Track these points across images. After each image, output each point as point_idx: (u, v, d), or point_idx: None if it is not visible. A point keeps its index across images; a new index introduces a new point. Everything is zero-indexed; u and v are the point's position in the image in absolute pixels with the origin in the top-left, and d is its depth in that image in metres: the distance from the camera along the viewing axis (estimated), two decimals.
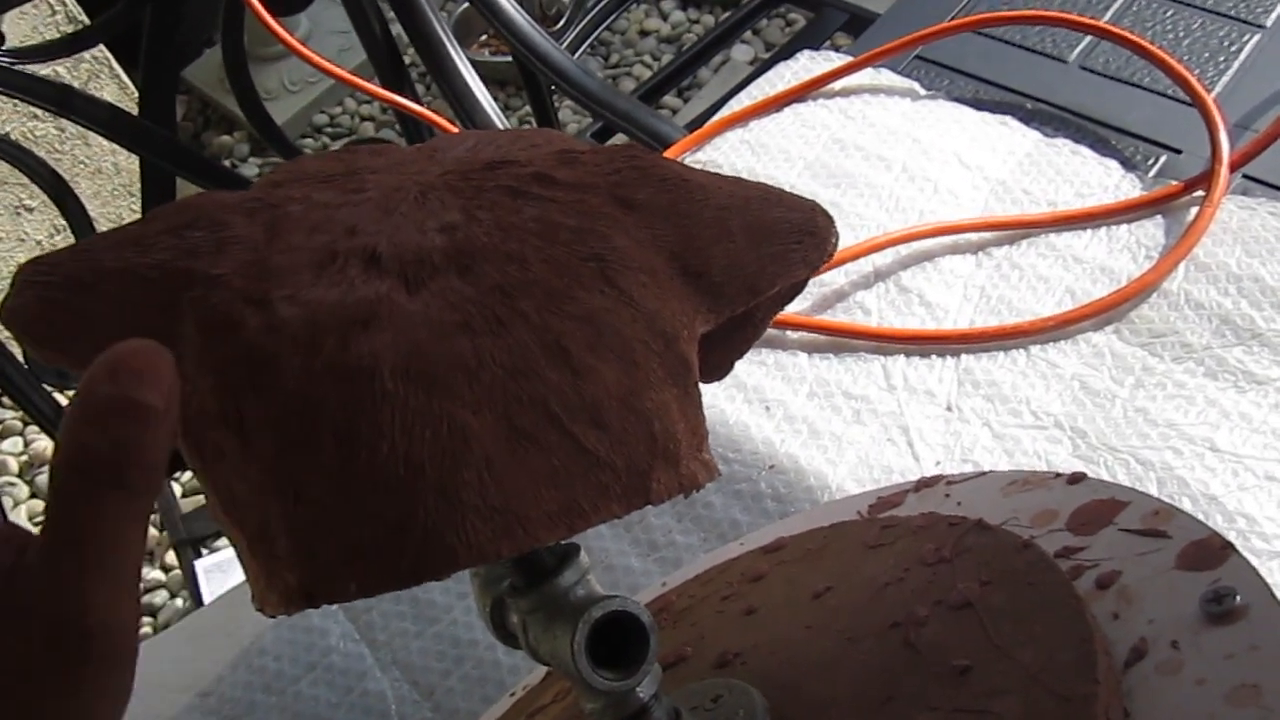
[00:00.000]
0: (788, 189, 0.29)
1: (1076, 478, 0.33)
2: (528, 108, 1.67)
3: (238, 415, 0.23)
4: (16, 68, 0.77)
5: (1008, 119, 0.65)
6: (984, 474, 0.37)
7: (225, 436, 0.23)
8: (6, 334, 0.80)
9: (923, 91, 0.68)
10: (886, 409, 0.54)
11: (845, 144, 0.65)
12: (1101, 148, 0.62)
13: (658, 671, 0.28)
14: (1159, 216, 0.58)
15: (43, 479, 1.43)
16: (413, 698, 0.49)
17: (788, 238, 0.27)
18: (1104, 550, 0.29)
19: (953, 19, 0.71)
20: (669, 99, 1.59)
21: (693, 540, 0.51)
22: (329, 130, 1.75)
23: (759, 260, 0.27)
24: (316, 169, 0.28)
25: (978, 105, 0.66)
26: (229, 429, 0.23)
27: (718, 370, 0.31)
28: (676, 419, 0.25)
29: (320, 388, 0.22)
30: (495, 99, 0.85)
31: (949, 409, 0.53)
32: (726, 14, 1.72)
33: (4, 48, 0.77)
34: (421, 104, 0.82)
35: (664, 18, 1.76)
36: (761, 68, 1.54)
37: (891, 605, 0.30)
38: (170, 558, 1.33)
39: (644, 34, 1.75)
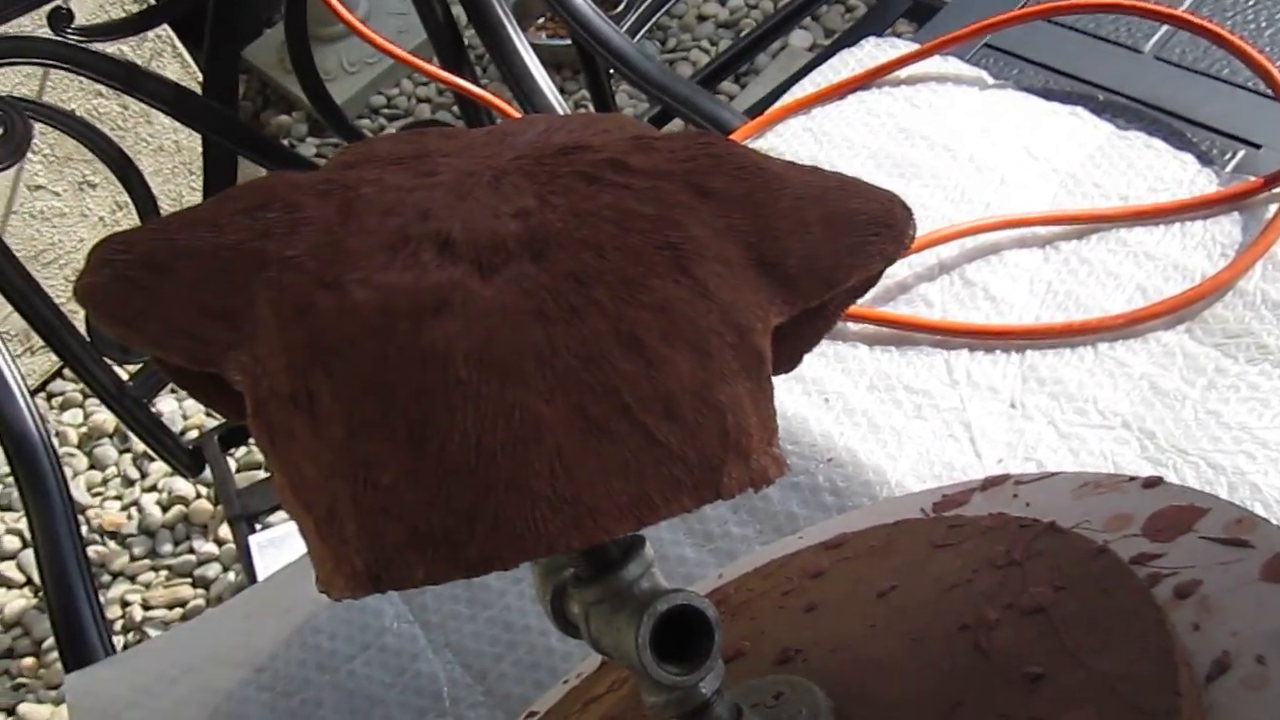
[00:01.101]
0: None
1: (1152, 482, 0.32)
2: (583, 92, 1.66)
3: (309, 397, 0.23)
4: (85, 46, 0.78)
5: (1079, 110, 0.63)
6: (1054, 475, 0.36)
7: (296, 418, 0.23)
8: (69, 306, 0.81)
9: (991, 81, 0.66)
10: (948, 404, 0.53)
11: (911, 133, 0.64)
12: (1177, 141, 0.60)
13: (721, 668, 0.27)
14: (1235, 213, 0.56)
15: (100, 450, 1.46)
16: (465, 681, 0.49)
17: (865, 229, 0.27)
18: (1183, 558, 0.28)
19: (1023, 6, 0.70)
20: (726, 85, 1.58)
21: (748, 532, 0.50)
22: (386, 111, 1.76)
23: (835, 252, 0.26)
24: (387, 151, 0.28)
25: (1048, 96, 0.64)
26: (300, 411, 0.23)
27: (786, 363, 0.30)
28: (749, 413, 0.24)
29: (393, 373, 0.22)
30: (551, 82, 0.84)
31: (1013, 406, 0.52)
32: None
33: (72, 26, 0.78)
34: (480, 86, 0.81)
35: (722, 3, 1.75)
36: (821, 54, 1.51)
37: (960, 607, 0.29)
38: (224, 532, 1.35)
39: (701, 19, 1.74)
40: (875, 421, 0.53)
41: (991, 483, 0.37)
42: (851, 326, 0.57)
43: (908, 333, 0.56)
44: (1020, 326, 0.54)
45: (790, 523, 0.50)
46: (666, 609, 0.26)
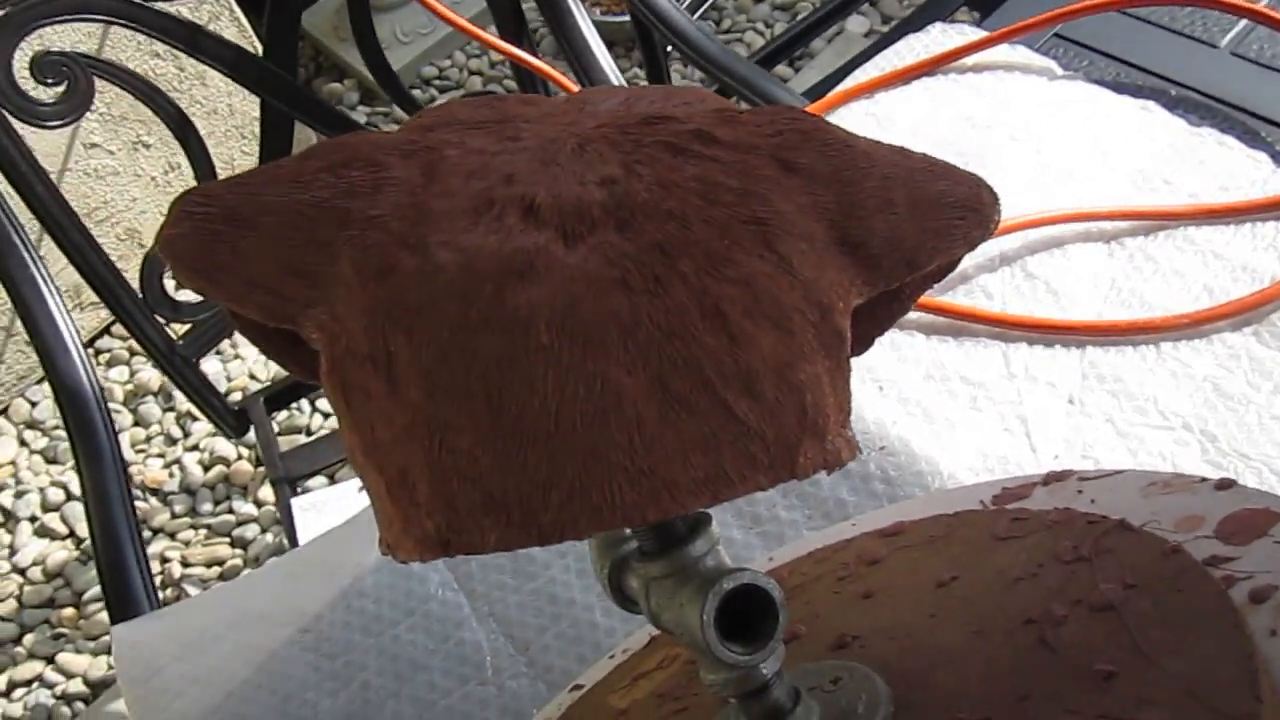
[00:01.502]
0: None
1: (1226, 484, 0.32)
2: (636, 70, 1.66)
3: (387, 358, 0.23)
4: (148, 4, 0.79)
5: (1150, 104, 0.62)
6: (1120, 472, 0.35)
7: (373, 378, 0.23)
8: (121, 263, 0.82)
9: (1060, 71, 0.65)
10: (1005, 397, 0.52)
11: (976, 122, 0.63)
12: (1251, 140, 0.59)
13: (782, 650, 0.27)
14: None
15: (145, 408, 1.48)
16: (508, 651, 0.49)
17: (951, 212, 0.26)
18: (1258, 562, 0.28)
19: None
20: (780, 68, 1.56)
21: (797, 517, 0.50)
22: (437, 83, 1.76)
23: (920, 234, 0.26)
24: (467, 115, 0.28)
25: (1118, 89, 0.63)
26: (377, 371, 0.23)
27: (858, 345, 0.30)
28: (827, 393, 0.24)
29: (474, 336, 0.22)
30: None
31: (1071, 402, 0.51)
32: None
33: None
34: (539, 58, 0.81)
35: None
36: (879, 41, 1.49)
37: (1025, 600, 0.29)
38: (264, 493, 1.36)
39: (758, 0, 1.72)
40: (929, 411, 0.52)
41: (1054, 478, 0.37)
42: (910, 314, 0.56)
43: (966, 323, 0.55)
44: (1082, 322, 0.53)
45: (839, 509, 0.50)
46: (732, 587, 0.25)
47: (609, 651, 0.45)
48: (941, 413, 0.52)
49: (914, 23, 1.24)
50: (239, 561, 1.32)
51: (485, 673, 0.49)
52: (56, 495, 1.42)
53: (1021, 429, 0.51)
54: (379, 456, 0.24)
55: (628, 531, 0.31)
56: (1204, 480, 0.32)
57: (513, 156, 0.25)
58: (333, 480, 1.22)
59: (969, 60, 0.67)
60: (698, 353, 0.22)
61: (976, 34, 0.68)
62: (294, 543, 0.88)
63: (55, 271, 1.01)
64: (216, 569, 1.32)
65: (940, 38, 0.69)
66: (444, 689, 0.49)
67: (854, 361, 0.56)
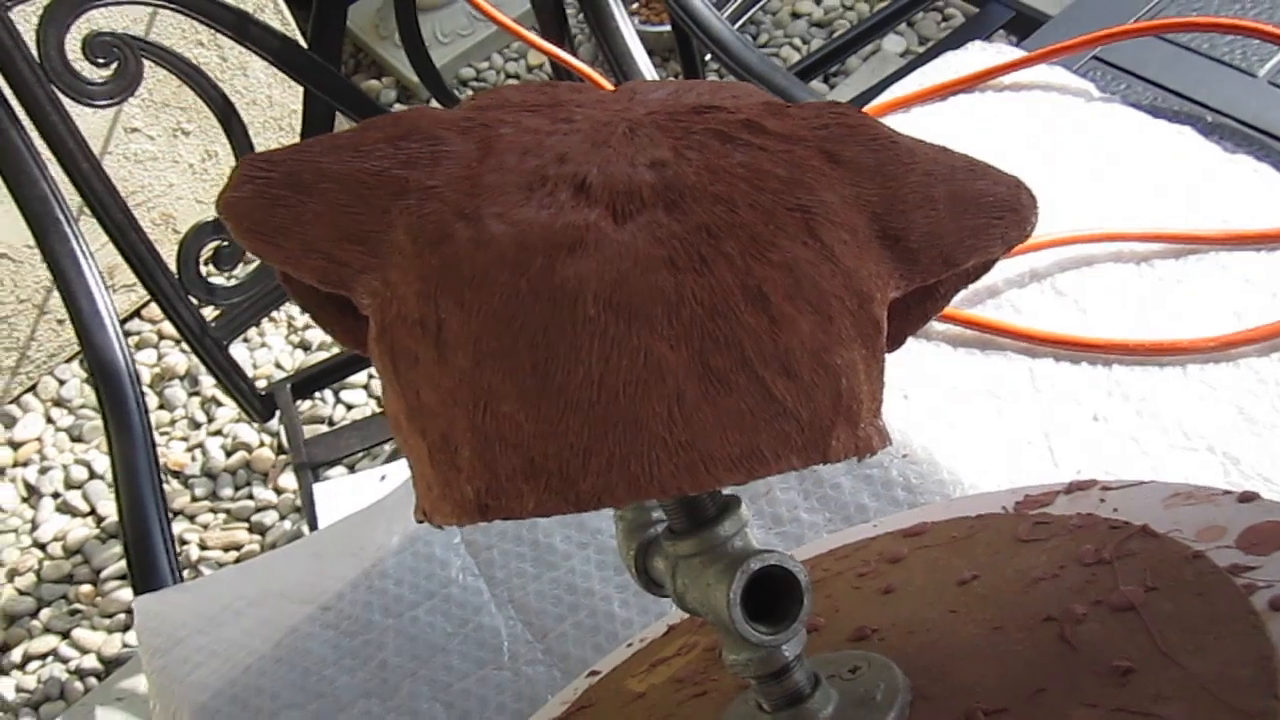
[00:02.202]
0: None
1: (1248, 496, 0.32)
2: (672, 77, 1.67)
3: (437, 324, 0.24)
4: None
5: (1186, 130, 0.62)
6: (1143, 483, 0.36)
7: (422, 343, 0.24)
8: (158, 247, 0.83)
9: (1097, 94, 0.65)
10: (1029, 411, 0.52)
11: (1012, 140, 0.64)
12: None
13: (803, 635, 0.28)
14: None
15: (170, 392, 1.49)
16: (525, 638, 0.50)
17: (990, 211, 0.27)
18: (1279, 572, 0.28)
19: (1136, 21, 0.69)
20: (815, 84, 1.57)
21: (818, 519, 0.51)
22: (474, 84, 1.78)
23: (959, 231, 0.26)
24: (520, 99, 0.29)
25: (1155, 113, 0.63)
26: (427, 336, 0.24)
27: (891, 341, 0.30)
28: (861, 380, 0.25)
29: (523, 306, 0.23)
30: None
31: (1095, 419, 0.52)
32: (884, 3, 1.69)
33: None
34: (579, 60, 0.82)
35: (818, 1, 1.74)
36: (915, 61, 1.50)
37: (1044, 599, 0.29)
38: (283, 480, 1.37)
39: (796, 16, 1.73)
40: (953, 421, 0.53)
41: (1077, 486, 0.37)
42: (937, 326, 0.56)
43: (993, 337, 0.55)
44: (1109, 340, 0.54)
45: (860, 514, 0.50)
46: (760, 567, 0.26)
47: (625, 641, 0.46)
48: (965, 424, 0.52)
49: (952, 43, 1.25)
50: (256, 547, 1.33)
51: (502, 658, 0.50)
52: (80, 473, 1.44)
53: (1044, 443, 0.51)
54: (423, 420, 0.25)
55: (655, 515, 0.31)
56: (1227, 493, 0.33)
57: (565, 137, 0.25)
58: (352, 470, 1.24)
59: (1006, 79, 0.67)
60: (739, 332, 0.23)
61: (1015, 53, 0.68)
62: (314, 527, 0.89)
63: (93, 251, 1.02)
64: (234, 553, 1.33)
65: (979, 56, 0.69)
66: (460, 671, 0.50)
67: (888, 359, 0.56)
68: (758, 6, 1.23)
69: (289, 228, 0.25)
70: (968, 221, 0.26)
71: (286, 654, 0.53)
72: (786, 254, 0.24)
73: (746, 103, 0.27)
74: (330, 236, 0.25)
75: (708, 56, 0.97)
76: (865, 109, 0.70)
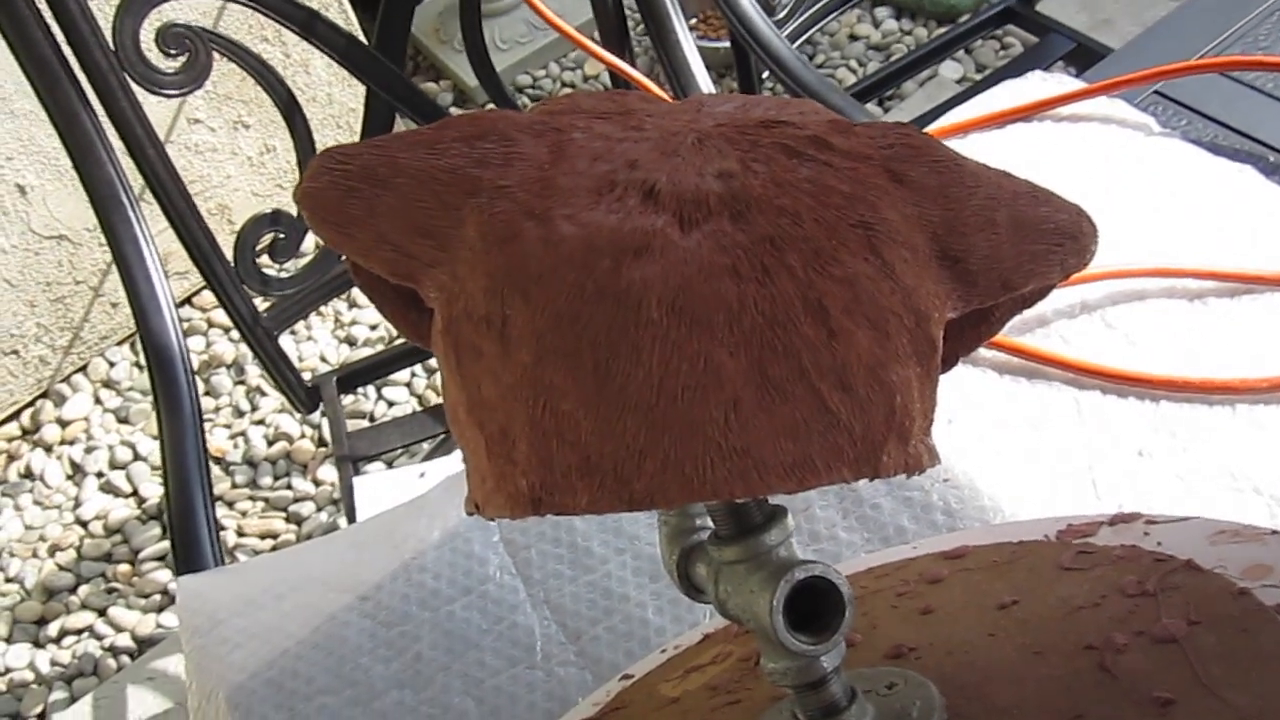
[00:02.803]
0: None
1: None
2: (738, 94, 1.67)
3: (502, 320, 0.24)
4: None
5: (1246, 168, 0.62)
6: (1188, 519, 0.36)
7: (487, 338, 0.24)
8: (217, 235, 0.84)
9: (1157, 128, 0.65)
10: (1073, 443, 0.52)
11: (1068, 171, 0.63)
12: None
13: (843, 647, 0.28)
14: None
15: (217, 379, 1.52)
16: (559, 639, 0.50)
17: (1050, 238, 0.27)
18: None
19: (1200, 58, 0.68)
20: (870, 106, 1.57)
21: (855, 539, 0.51)
22: (530, 91, 1.80)
23: (1018, 256, 0.27)
24: (591, 106, 0.29)
25: (1215, 150, 0.63)
26: (491, 332, 0.24)
27: (944, 362, 0.31)
28: (915, 398, 0.25)
29: (588, 306, 0.23)
30: None
31: (1140, 454, 0.51)
32: (942, 29, 1.69)
33: None
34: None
35: (876, 24, 1.74)
36: (972, 88, 1.50)
37: (1086, 628, 0.29)
38: (321, 473, 1.39)
39: (854, 38, 1.73)
40: (997, 449, 0.53)
41: (1121, 519, 0.37)
42: (984, 352, 0.56)
43: (1040, 366, 0.55)
44: (1158, 376, 0.53)
45: (899, 535, 0.50)
46: (804, 577, 0.26)
47: (658, 648, 0.46)
48: (1009, 451, 0.52)
49: (1010, 72, 1.25)
50: (292, 536, 1.35)
51: (535, 657, 0.50)
52: (124, 454, 1.46)
53: (1088, 475, 0.51)
54: (482, 414, 0.25)
55: (698, 522, 0.32)
56: (1275, 532, 0.33)
57: (636, 145, 0.26)
58: (390, 466, 1.25)
59: (1065, 110, 0.67)
60: (797, 342, 0.23)
61: (1076, 84, 0.68)
62: (352, 519, 0.91)
63: (151, 236, 1.04)
64: (269, 541, 1.35)
65: (1039, 85, 0.69)
66: (493, 668, 0.50)
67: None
68: (817, 27, 1.23)
69: (363, 219, 0.26)
70: (1028, 247, 0.27)
71: (323, 640, 0.53)
72: (848, 269, 0.24)
73: (813, 119, 0.28)
74: (402, 229, 0.25)
75: (765, 74, 0.97)
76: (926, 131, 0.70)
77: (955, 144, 0.68)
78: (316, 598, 0.56)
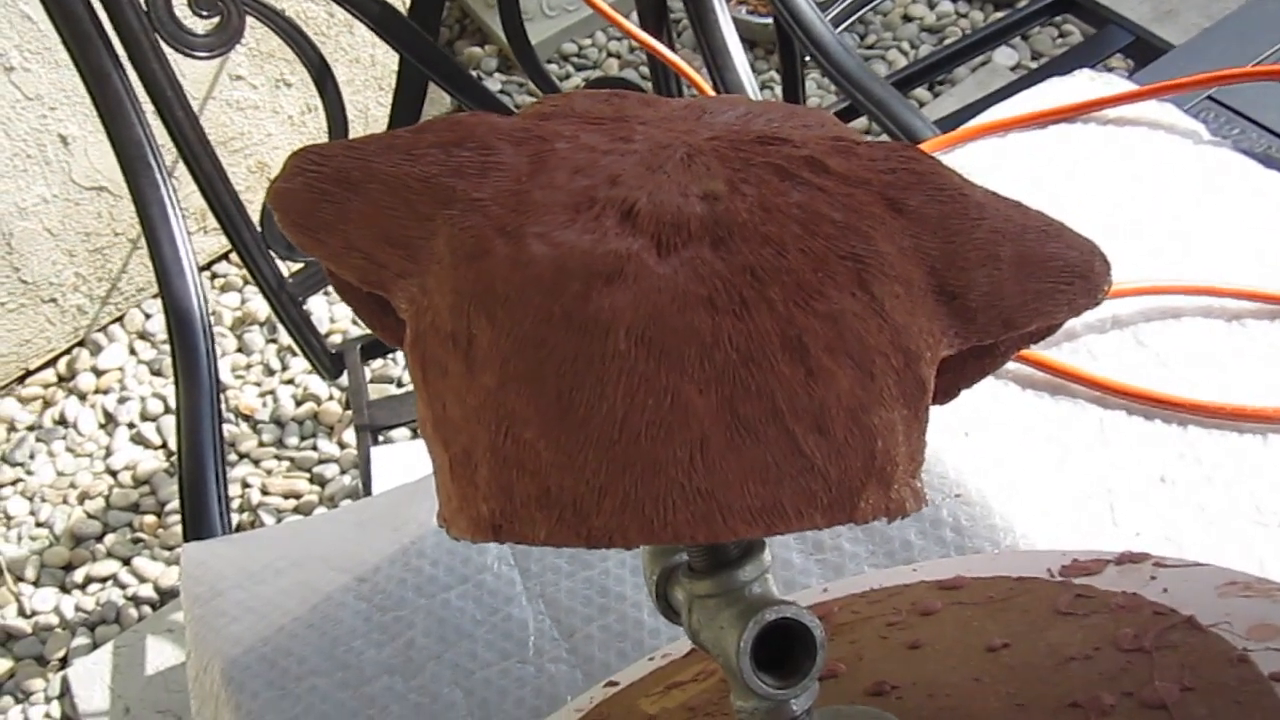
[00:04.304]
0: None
1: None
2: (773, 73, 1.65)
3: (467, 340, 0.23)
4: None
5: None
6: (1199, 565, 0.34)
7: (451, 357, 0.23)
8: (246, 195, 0.84)
9: (1208, 136, 0.63)
10: (1094, 464, 0.50)
11: (1109, 177, 0.61)
12: None
13: (815, 689, 0.27)
14: None
15: (249, 337, 1.53)
16: (552, 634, 0.50)
17: (1059, 276, 0.25)
18: None
19: (1258, 63, 0.65)
20: (919, 91, 1.53)
21: (860, 550, 0.49)
22: (575, 60, 1.78)
23: (1022, 294, 0.25)
24: (585, 108, 0.28)
25: (1267, 162, 0.60)
26: (456, 351, 0.23)
27: (943, 395, 0.29)
28: (899, 442, 0.24)
29: (554, 332, 0.22)
30: None
31: (1163, 480, 0.50)
32: (999, 14, 1.64)
33: None
34: (675, 51, 0.81)
35: (930, 6, 1.70)
36: (1025, 77, 1.46)
37: (1074, 682, 0.28)
38: (348, 436, 1.40)
39: (907, 19, 1.69)
40: (1013, 466, 0.51)
41: (1129, 558, 0.36)
42: (1009, 365, 0.55)
43: (1065, 382, 0.53)
44: (1188, 399, 0.51)
45: (904, 550, 0.49)
46: (774, 619, 0.25)
47: (650, 652, 0.45)
48: (1025, 469, 0.51)
49: (1065, 63, 1.21)
50: (314, 498, 1.36)
51: (527, 651, 0.50)
52: (156, 406, 1.48)
53: (1106, 499, 0.49)
54: (446, 433, 0.24)
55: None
56: None
57: (621, 158, 0.25)
58: (415, 435, 1.25)
59: (1112, 112, 0.65)
60: (772, 382, 0.22)
61: (1125, 86, 0.65)
62: (368, 490, 0.91)
63: (185, 195, 1.05)
64: (293, 501, 1.36)
65: (1087, 85, 0.67)
66: (484, 660, 0.50)
67: (946, 404, 0.55)
68: (869, 7, 1.20)
69: (333, 224, 0.25)
70: (1033, 285, 0.25)
71: (319, 620, 0.53)
72: (833, 304, 0.23)
73: (815, 135, 0.26)
74: (372, 238, 0.24)
75: (808, 57, 0.95)
76: (962, 129, 0.68)
77: (993, 142, 0.65)
78: (315, 575, 0.56)
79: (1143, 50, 1.16)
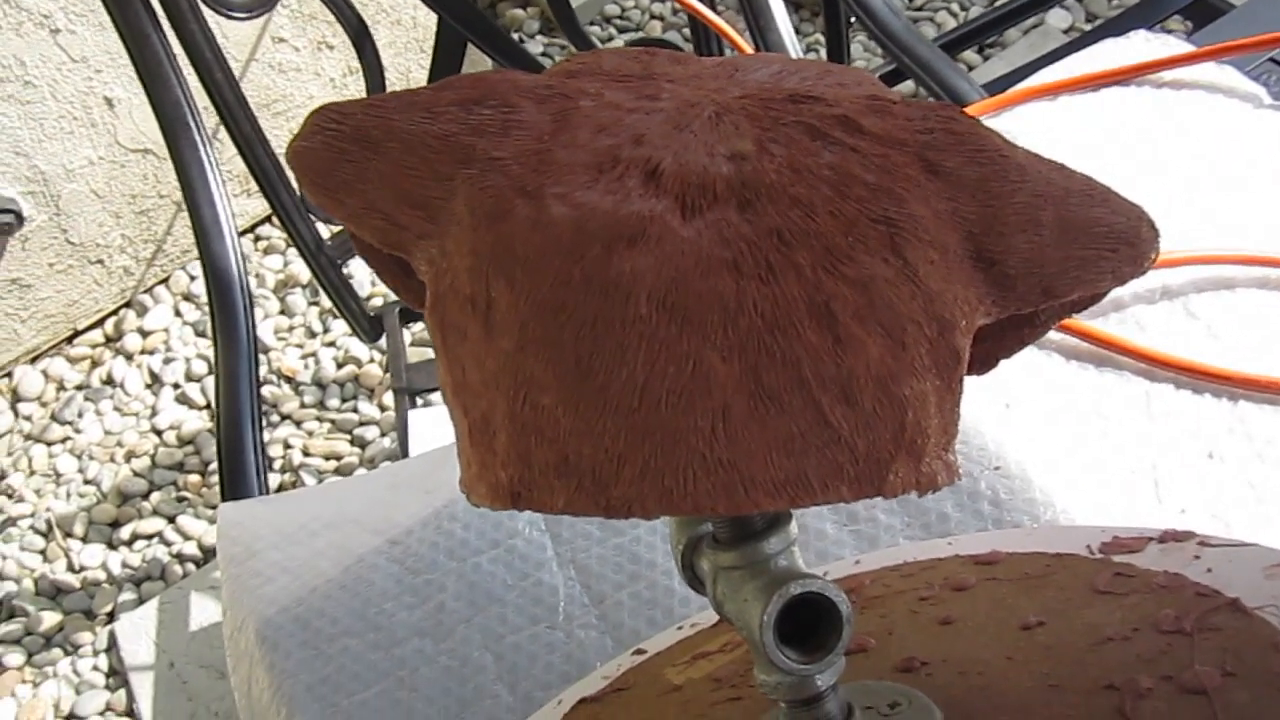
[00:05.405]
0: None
1: None
2: (818, 35, 1.62)
3: (486, 303, 0.23)
4: None
5: None
6: (1245, 545, 0.33)
7: (470, 320, 0.23)
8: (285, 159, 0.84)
9: (1268, 100, 0.60)
10: (1139, 439, 0.49)
11: (1163, 141, 0.59)
12: None
13: (841, 664, 0.26)
14: None
15: (292, 299, 1.54)
16: (582, 600, 0.50)
17: (1103, 243, 0.24)
18: None
19: None
20: (968, 54, 1.50)
21: (895, 522, 0.49)
22: (618, 21, 1.76)
23: (1063, 261, 0.24)
24: (614, 66, 0.27)
25: None
26: (475, 314, 0.23)
27: (980, 365, 0.28)
28: (931, 413, 0.23)
29: (574, 296, 0.21)
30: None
31: (1210, 456, 0.48)
32: None
33: None
34: (718, 13, 0.80)
35: None
36: (1078, 40, 1.42)
37: (1110, 663, 0.27)
38: (388, 399, 1.40)
39: None
40: (1055, 439, 0.50)
41: (1172, 536, 0.34)
42: (1051, 334, 0.53)
43: (1111, 353, 0.52)
44: (1239, 373, 0.50)
45: (941, 523, 0.48)
46: (799, 593, 0.25)
47: (679, 621, 0.45)
48: (1067, 443, 0.49)
49: (1121, 24, 1.17)
50: (354, 459, 1.37)
51: (557, 617, 0.49)
52: (200, 367, 1.50)
53: (1151, 475, 0.48)
54: (466, 398, 0.24)
55: None
56: None
57: (647, 116, 0.24)
58: None
59: (1168, 75, 0.62)
60: (798, 350, 0.21)
61: (1182, 47, 0.63)
62: (405, 453, 0.91)
63: (228, 158, 1.05)
64: (334, 463, 1.37)
65: (1142, 46, 0.65)
66: (515, 624, 0.50)
67: (986, 375, 0.54)
68: None
69: (353, 184, 0.24)
70: (1076, 251, 0.24)
71: (351, 582, 0.53)
72: (863, 270, 0.22)
73: (851, 95, 0.25)
74: (391, 198, 0.24)
75: (853, 18, 0.93)
76: (1010, 92, 0.66)
77: (1044, 104, 0.63)
78: (349, 537, 0.56)
79: (1202, 10, 1.12)
